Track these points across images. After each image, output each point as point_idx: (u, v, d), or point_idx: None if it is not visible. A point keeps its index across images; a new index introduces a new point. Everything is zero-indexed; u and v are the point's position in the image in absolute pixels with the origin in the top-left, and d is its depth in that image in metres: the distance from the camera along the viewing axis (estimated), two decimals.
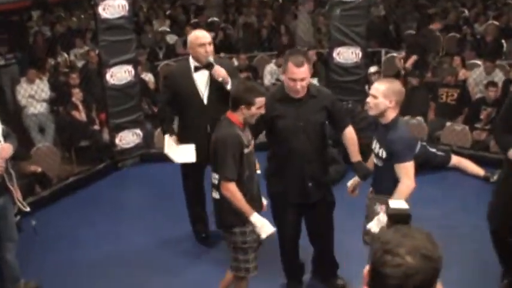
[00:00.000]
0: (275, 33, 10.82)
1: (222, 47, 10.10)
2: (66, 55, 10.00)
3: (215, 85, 4.42)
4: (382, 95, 3.20)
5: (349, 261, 4.00)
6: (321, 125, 3.62)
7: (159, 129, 6.97)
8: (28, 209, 4.13)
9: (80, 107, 7.14)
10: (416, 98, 7.10)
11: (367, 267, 1.57)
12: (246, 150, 3.33)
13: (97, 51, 7.19)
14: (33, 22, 12.01)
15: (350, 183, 3.72)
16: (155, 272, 4.51)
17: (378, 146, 3.32)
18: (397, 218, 2.12)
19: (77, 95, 7.18)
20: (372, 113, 3.28)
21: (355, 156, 3.67)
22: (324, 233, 3.90)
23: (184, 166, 4.66)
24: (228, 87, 4.35)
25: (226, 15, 12.83)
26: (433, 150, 6.15)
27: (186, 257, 4.71)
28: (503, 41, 9.43)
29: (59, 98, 7.65)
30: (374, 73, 7.64)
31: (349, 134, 3.69)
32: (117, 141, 6.67)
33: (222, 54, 9.69)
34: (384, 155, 3.25)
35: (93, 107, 7.41)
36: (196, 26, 11.17)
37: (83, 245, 4.99)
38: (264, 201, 3.62)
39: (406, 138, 3.27)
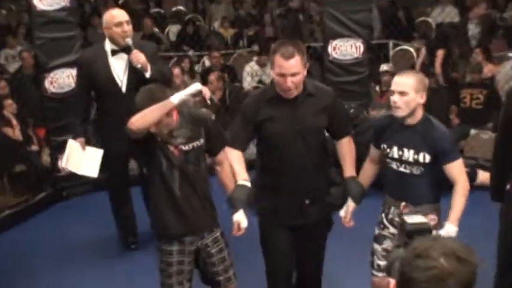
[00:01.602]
0: (256, 24, 10.94)
1: (190, 41, 10.28)
2: None
3: (135, 71, 4.82)
4: (414, 90, 3.40)
5: None
6: (321, 130, 3.73)
7: None
8: None
9: (14, 122, 7.10)
10: (435, 101, 7.07)
11: (392, 282, 1.75)
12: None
13: (32, 52, 7.25)
14: None
15: (345, 210, 3.76)
16: None
17: (411, 152, 3.48)
18: (417, 234, 2.37)
19: (9, 108, 7.16)
20: (400, 114, 3.44)
21: (350, 170, 3.76)
22: (313, 256, 3.96)
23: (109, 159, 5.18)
24: (147, 75, 4.76)
25: (194, 3, 12.96)
26: None
27: None
28: None
29: None
30: (387, 71, 7.76)
31: (348, 143, 3.80)
32: (60, 164, 6.41)
33: (190, 52, 9.86)
34: (428, 159, 3.45)
35: (29, 122, 7.41)
36: (157, 18, 11.32)
37: None
38: (243, 223, 3.51)
39: (448, 132, 3.56)
